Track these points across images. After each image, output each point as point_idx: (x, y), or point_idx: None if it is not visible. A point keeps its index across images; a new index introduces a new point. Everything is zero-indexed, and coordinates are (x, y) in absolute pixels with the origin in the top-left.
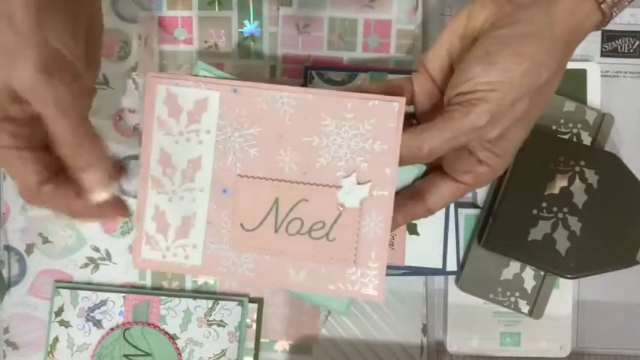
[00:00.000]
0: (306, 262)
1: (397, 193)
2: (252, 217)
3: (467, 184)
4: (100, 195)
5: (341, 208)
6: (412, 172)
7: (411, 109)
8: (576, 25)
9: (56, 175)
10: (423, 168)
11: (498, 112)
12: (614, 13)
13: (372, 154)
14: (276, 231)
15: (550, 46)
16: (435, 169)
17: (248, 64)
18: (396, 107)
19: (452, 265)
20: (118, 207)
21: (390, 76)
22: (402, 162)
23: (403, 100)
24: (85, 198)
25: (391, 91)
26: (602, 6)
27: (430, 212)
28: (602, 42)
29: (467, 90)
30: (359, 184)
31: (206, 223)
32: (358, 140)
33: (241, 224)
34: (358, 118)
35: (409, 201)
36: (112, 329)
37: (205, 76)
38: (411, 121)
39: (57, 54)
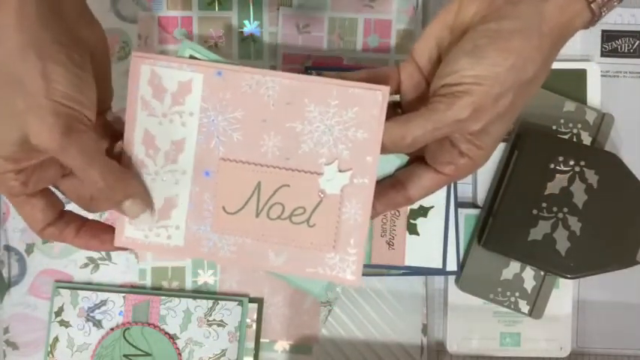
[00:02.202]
0: (287, 246)
1: (379, 182)
2: (234, 201)
3: (448, 175)
4: (143, 219)
5: (322, 195)
6: (394, 162)
7: (397, 98)
8: (566, 23)
9: (60, 215)
10: (405, 158)
11: (482, 105)
12: (603, 13)
13: (355, 142)
14: (257, 215)
15: (538, 42)
16: (417, 159)
17: (248, 64)
18: (379, 96)
19: (452, 265)
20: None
21: None
22: (385, 150)
23: (387, 89)
24: (82, 236)
25: (377, 79)
26: (592, 5)
27: (410, 201)
28: (602, 42)
29: (452, 82)
30: (340, 171)
31: (188, 204)
32: (341, 128)
33: (223, 207)
34: (342, 106)
35: (391, 190)
36: (112, 329)
37: (191, 57)
38: (396, 110)
39: (68, 111)
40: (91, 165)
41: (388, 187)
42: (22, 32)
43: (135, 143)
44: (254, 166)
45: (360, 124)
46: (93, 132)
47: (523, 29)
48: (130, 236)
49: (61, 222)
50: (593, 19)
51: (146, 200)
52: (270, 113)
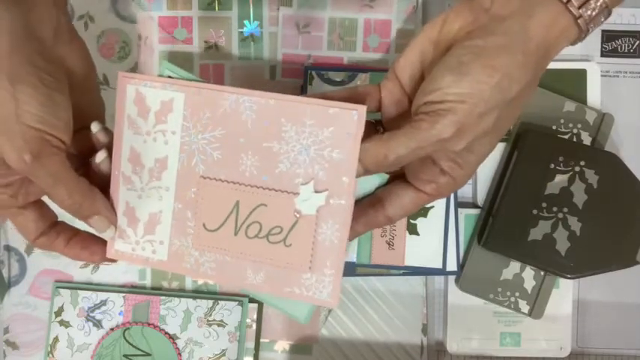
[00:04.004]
0: (264, 264)
1: (359, 201)
2: (214, 218)
3: (428, 194)
4: (107, 234)
5: (298, 215)
6: (375, 180)
7: (378, 116)
8: (552, 40)
9: (52, 226)
10: (385, 177)
11: (465, 124)
12: (590, 29)
13: (331, 162)
14: (235, 233)
15: (523, 60)
16: (397, 177)
17: (248, 64)
18: (355, 115)
19: (452, 265)
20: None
21: None
22: (368, 171)
23: (364, 108)
24: (73, 246)
25: (356, 98)
26: (579, 21)
27: (390, 221)
28: (602, 42)
29: (435, 99)
30: (316, 192)
31: (172, 220)
32: (317, 148)
33: (204, 224)
34: (318, 125)
35: (370, 210)
36: (112, 329)
37: (171, 77)
38: (378, 128)
39: (38, 135)
40: (59, 185)
41: (367, 206)
42: None
43: (122, 160)
44: (233, 184)
45: (335, 144)
46: (64, 152)
47: (509, 46)
48: (119, 249)
49: (53, 232)
50: (580, 35)
51: (111, 217)
52: (247, 132)
